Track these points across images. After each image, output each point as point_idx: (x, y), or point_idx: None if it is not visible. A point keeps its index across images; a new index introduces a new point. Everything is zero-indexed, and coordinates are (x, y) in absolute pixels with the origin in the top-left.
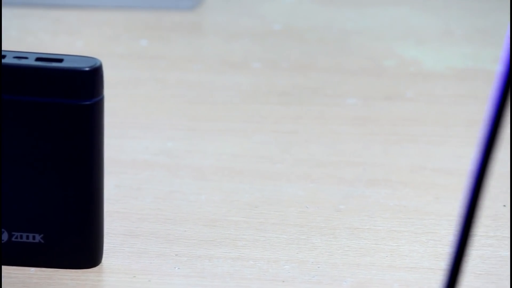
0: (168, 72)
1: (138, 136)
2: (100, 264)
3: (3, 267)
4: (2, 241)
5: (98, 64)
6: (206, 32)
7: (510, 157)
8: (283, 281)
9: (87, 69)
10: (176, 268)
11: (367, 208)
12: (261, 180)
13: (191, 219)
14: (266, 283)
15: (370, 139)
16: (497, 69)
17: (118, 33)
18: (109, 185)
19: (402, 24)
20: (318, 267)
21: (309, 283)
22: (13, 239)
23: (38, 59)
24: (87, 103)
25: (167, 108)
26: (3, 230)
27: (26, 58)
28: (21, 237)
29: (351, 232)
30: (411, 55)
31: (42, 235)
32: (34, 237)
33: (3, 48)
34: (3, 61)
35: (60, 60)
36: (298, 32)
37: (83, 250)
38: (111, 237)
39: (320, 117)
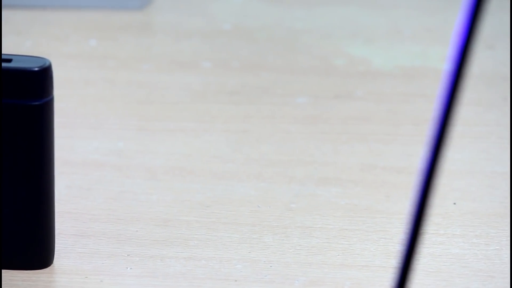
0: (117, 72)
1: (88, 136)
2: (52, 265)
3: None
4: None
5: (47, 64)
6: (156, 31)
7: (510, 157)
8: (236, 281)
9: (36, 69)
10: (128, 268)
11: (318, 207)
12: (213, 179)
13: (143, 219)
14: (219, 282)
15: (320, 138)
16: (445, 68)
17: (67, 33)
18: (59, 186)
19: (351, 23)
20: (271, 266)
21: (262, 282)
22: None
23: None
24: (37, 103)
25: (117, 108)
26: None
27: None
28: None
29: (303, 231)
30: (360, 54)
31: None
32: None
33: None
34: None
35: (9, 60)
36: (248, 31)
37: (34, 250)
38: (63, 238)
39: (271, 116)
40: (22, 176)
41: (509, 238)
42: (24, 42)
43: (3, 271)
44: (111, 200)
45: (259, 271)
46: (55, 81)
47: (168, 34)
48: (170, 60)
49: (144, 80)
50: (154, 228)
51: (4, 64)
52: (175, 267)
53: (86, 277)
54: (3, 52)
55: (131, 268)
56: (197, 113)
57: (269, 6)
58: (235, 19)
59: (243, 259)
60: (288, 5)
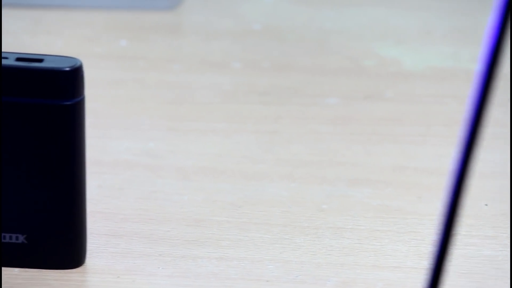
0: (148, 72)
1: (119, 136)
2: (84, 264)
3: None
4: None
5: (78, 64)
6: (186, 32)
7: (510, 157)
8: (267, 281)
9: (67, 69)
10: (160, 268)
11: (349, 208)
12: (244, 180)
13: (174, 219)
14: (251, 283)
15: (351, 138)
16: (476, 69)
17: (98, 33)
18: (91, 186)
19: (381, 24)
20: (302, 267)
21: (293, 283)
22: None
23: (18, 59)
24: (68, 103)
25: (148, 108)
26: None
27: (6, 58)
28: (4, 237)
29: (334, 231)
30: (391, 55)
31: (25, 235)
32: (17, 238)
33: None
34: None
35: (41, 60)
36: (278, 32)
37: (67, 250)
38: (95, 238)
39: (301, 116)
40: (54, 176)
41: None
42: (55, 42)
43: (36, 270)
44: (142, 200)
45: (290, 272)
46: (86, 81)
47: (198, 35)
48: (200, 60)
49: (174, 81)
50: (185, 228)
51: (35, 64)
52: (207, 267)
53: (118, 276)
54: (35, 52)
55: (163, 268)
56: (227, 113)
57: (299, 7)
58: (265, 20)
59: (274, 259)
60: (318, 6)
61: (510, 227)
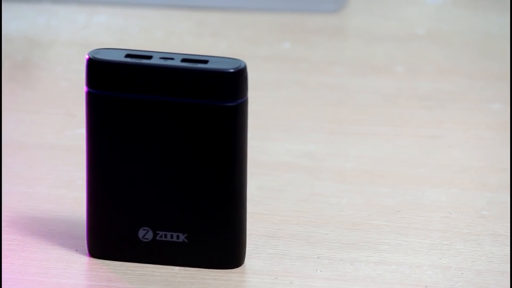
0: (310, 74)
1: (280, 138)
2: (243, 265)
3: (148, 265)
4: (147, 240)
5: (242, 65)
6: (349, 35)
7: (510, 157)
8: (426, 287)
9: (232, 70)
10: (318, 271)
11: None
12: (403, 184)
13: (333, 222)
14: None
15: None
16: None
17: (261, 35)
18: (251, 187)
19: None
20: (462, 273)
21: None
22: (157, 238)
23: (183, 60)
24: (231, 104)
25: (309, 110)
26: (147, 228)
27: (172, 59)
28: (165, 236)
29: (495, 238)
30: None
31: (186, 234)
32: (178, 237)
33: (149, 49)
34: (151, 61)
35: (205, 62)
36: (442, 36)
37: (226, 250)
38: (254, 238)
39: (463, 121)
40: (215, 176)
41: None
42: (220, 44)
43: (195, 269)
44: (301, 202)
45: (450, 278)
46: (249, 83)
47: (361, 38)
48: (362, 63)
49: (336, 83)
50: (343, 232)
51: (200, 65)
52: (365, 271)
53: (276, 278)
54: (200, 53)
55: (320, 271)
56: (388, 117)
57: (464, 11)
58: (429, 24)
59: (433, 265)
60: (483, 10)
61: (510, 227)
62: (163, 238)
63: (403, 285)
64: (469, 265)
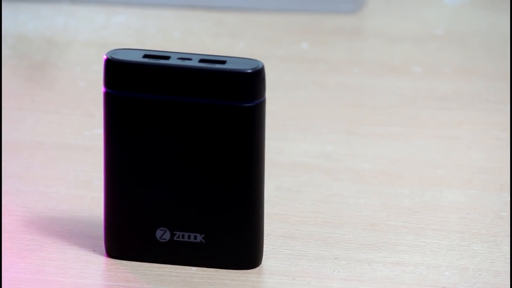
0: (328, 75)
1: (297, 138)
2: (260, 265)
3: (165, 266)
4: (164, 240)
5: (260, 66)
6: (367, 35)
7: (510, 157)
8: None
9: (249, 71)
10: (335, 272)
11: None
12: (421, 185)
13: (351, 222)
14: None
15: None
16: None
17: (279, 36)
18: (269, 187)
19: None
20: (479, 275)
21: None
22: (175, 238)
23: (201, 61)
24: (249, 105)
25: (327, 111)
26: (165, 229)
27: (190, 59)
28: (183, 236)
29: None
30: None
31: (203, 235)
32: (195, 237)
33: (166, 49)
34: (168, 62)
35: (223, 62)
36: (460, 37)
37: (244, 251)
38: (271, 239)
39: (482, 122)
40: (233, 177)
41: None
42: (238, 44)
43: (213, 269)
44: (319, 202)
45: (467, 279)
46: (267, 83)
47: (379, 38)
48: (380, 64)
49: (354, 84)
50: (361, 232)
51: (218, 66)
52: (382, 271)
53: (294, 278)
54: (218, 53)
55: (338, 272)
56: (406, 118)
57: (482, 11)
58: (447, 24)
59: (451, 266)
60: (502, 11)
61: (510, 227)
62: (181, 239)
63: (420, 286)
64: (487, 266)
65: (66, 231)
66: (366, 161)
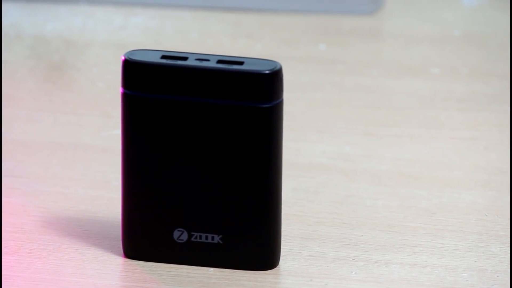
0: (345, 76)
1: (315, 139)
2: (277, 266)
3: (182, 266)
4: (182, 241)
5: (278, 67)
6: (385, 36)
7: (510, 157)
8: None
9: (267, 72)
10: (353, 273)
11: None
12: (439, 186)
13: (368, 223)
14: None
15: None
16: None
17: (297, 37)
18: (286, 188)
19: None
20: (497, 276)
21: None
22: (192, 239)
23: (219, 62)
24: (267, 105)
25: (344, 112)
26: (182, 229)
27: (207, 60)
28: (200, 237)
29: None
30: None
31: (221, 236)
32: (213, 238)
33: (184, 50)
34: (186, 63)
35: (241, 63)
36: (479, 38)
37: (261, 252)
38: (288, 240)
39: (500, 124)
40: (250, 178)
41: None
42: (255, 45)
43: (230, 270)
44: (336, 204)
45: (485, 281)
46: (284, 84)
47: (397, 39)
48: (398, 65)
49: (372, 85)
50: (379, 234)
51: (235, 67)
52: (400, 273)
53: (311, 279)
54: (235, 54)
55: (355, 273)
56: (424, 119)
57: (500, 12)
58: (465, 25)
59: (469, 267)
60: None
61: (510, 227)
62: (198, 239)
63: (438, 287)
64: (505, 267)
65: (84, 231)
66: (384, 162)
